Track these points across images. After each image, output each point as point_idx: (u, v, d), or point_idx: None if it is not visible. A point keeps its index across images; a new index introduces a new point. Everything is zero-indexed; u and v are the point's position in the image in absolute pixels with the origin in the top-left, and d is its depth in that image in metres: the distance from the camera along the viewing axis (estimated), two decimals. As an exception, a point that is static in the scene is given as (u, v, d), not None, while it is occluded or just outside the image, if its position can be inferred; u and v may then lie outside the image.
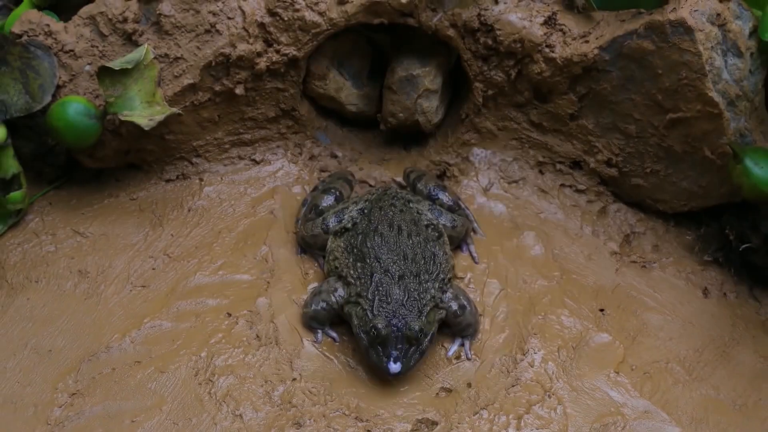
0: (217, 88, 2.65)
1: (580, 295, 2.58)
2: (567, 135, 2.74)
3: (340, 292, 2.41)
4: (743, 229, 2.60)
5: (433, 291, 2.38)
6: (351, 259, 2.45)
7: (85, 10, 2.62)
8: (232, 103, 2.71)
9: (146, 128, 2.49)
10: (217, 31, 2.59)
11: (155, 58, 2.56)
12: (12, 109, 2.55)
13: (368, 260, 2.42)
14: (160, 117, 2.51)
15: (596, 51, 2.56)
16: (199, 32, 2.58)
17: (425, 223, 2.56)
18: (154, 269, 2.57)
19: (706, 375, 2.45)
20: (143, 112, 2.52)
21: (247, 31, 2.59)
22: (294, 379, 2.34)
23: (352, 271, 2.42)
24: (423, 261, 2.43)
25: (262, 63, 2.63)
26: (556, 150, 2.77)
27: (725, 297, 2.63)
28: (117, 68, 2.47)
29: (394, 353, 2.27)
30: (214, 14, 2.58)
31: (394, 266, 2.40)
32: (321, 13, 2.61)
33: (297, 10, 2.59)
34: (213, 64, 2.60)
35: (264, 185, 2.77)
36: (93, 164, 2.69)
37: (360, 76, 2.84)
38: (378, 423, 2.26)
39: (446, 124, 2.87)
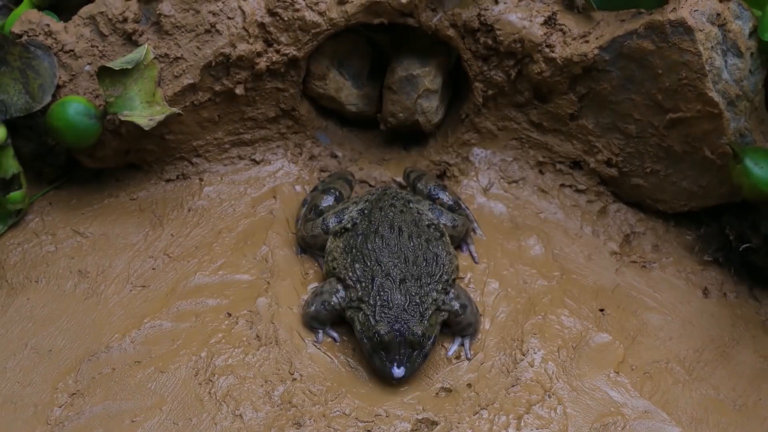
0: (217, 88, 2.65)
1: (580, 295, 2.58)
2: (567, 135, 2.74)
3: (342, 293, 2.41)
4: (743, 229, 2.60)
5: (435, 294, 2.38)
6: (349, 260, 2.45)
7: (85, 10, 2.62)
8: (232, 103, 2.71)
9: (146, 128, 2.49)
10: (217, 31, 2.59)
11: (155, 58, 2.56)
12: (12, 109, 2.55)
13: (369, 263, 2.42)
14: (160, 117, 2.51)
15: (596, 51, 2.56)
16: (199, 32, 2.58)
17: (426, 223, 2.56)
18: (154, 269, 2.57)
19: (706, 375, 2.45)
20: (143, 112, 2.52)
21: (247, 31, 2.59)
22: (294, 379, 2.34)
23: (350, 273, 2.42)
24: (425, 263, 2.43)
25: (262, 63, 2.63)
26: (556, 150, 2.77)
27: (725, 297, 2.63)
28: (117, 68, 2.47)
29: (398, 358, 2.28)
30: (214, 14, 2.58)
31: (395, 270, 2.40)
32: (321, 13, 2.61)
33: (297, 10, 2.59)
34: (213, 64, 2.60)
35: (264, 185, 2.77)
36: (93, 164, 2.69)
37: (360, 76, 2.84)
38: (378, 423, 2.26)
39: (446, 124, 2.87)
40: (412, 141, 2.91)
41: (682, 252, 2.71)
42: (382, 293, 2.35)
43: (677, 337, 2.52)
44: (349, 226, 2.55)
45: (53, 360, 2.36)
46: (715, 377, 2.44)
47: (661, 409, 2.34)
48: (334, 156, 2.86)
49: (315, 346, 2.41)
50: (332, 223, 2.57)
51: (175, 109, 2.55)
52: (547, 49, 2.61)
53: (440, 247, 2.48)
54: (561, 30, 2.61)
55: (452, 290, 2.43)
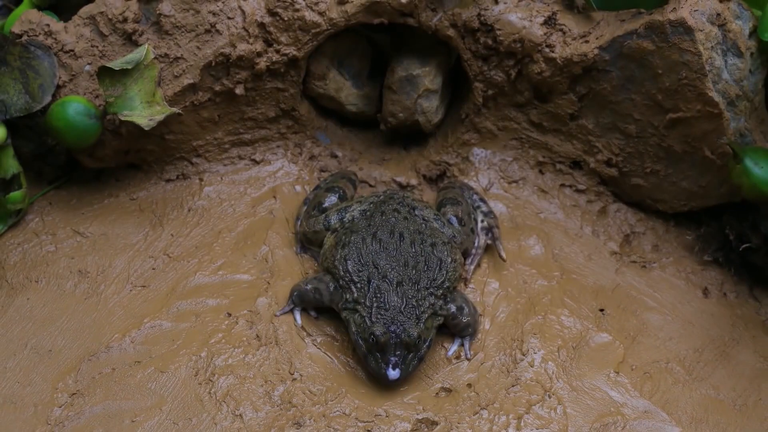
0: (217, 88, 2.65)
1: (580, 295, 2.58)
2: (567, 135, 2.74)
3: (332, 289, 2.41)
4: (743, 229, 2.60)
5: (432, 299, 2.37)
6: (339, 255, 2.43)
7: (85, 10, 2.62)
8: (232, 103, 2.71)
9: (146, 128, 2.49)
10: (217, 31, 2.59)
11: (155, 58, 2.56)
12: (12, 109, 2.55)
13: (365, 265, 2.41)
14: (160, 117, 2.51)
15: (596, 51, 2.56)
16: (199, 32, 2.58)
17: (430, 232, 2.53)
18: (154, 269, 2.57)
19: (706, 375, 2.45)
20: (143, 112, 2.52)
21: (247, 31, 2.59)
22: (294, 379, 2.34)
23: (341, 270, 2.41)
24: (426, 268, 2.41)
25: (262, 63, 2.63)
26: (556, 150, 2.77)
27: (725, 297, 2.63)
28: (117, 68, 2.47)
29: (393, 359, 2.28)
30: (214, 14, 2.58)
31: (393, 273, 2.39)
32: (321, 13, 2.61)
33: (297, 10, 2.59)
34: (213, 64, 2.60)
35: (264, 185, 2.77)
36: (93, 164, 2.69)
37: (360, 76, 2.84)
38: (378, 423, 2.26)
39: (446, 124, 2.87)
40: (412, 141, 2.91)
41: (682, 252, 2.71)
42: (378, 295, 2.35)
43: (677, 337, 2.52)
44: (348, 225, 2.55)
45: (53, 360, 2.36)
46: (715, 377, 2.44)
47: (661, 409, 2.34)
48: (334, 156, 2.86)
49: (315, 346, 2.41)
50: (334, 220, 2.57)
51: (175, 109, 2.55)
52: (547, 49, 2.61)
53: (446, 253, 2.47)
54: (561, 30, 2.61)
55: (451, 296, 2.43)
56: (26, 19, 2.59)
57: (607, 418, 2.31)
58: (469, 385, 2.36)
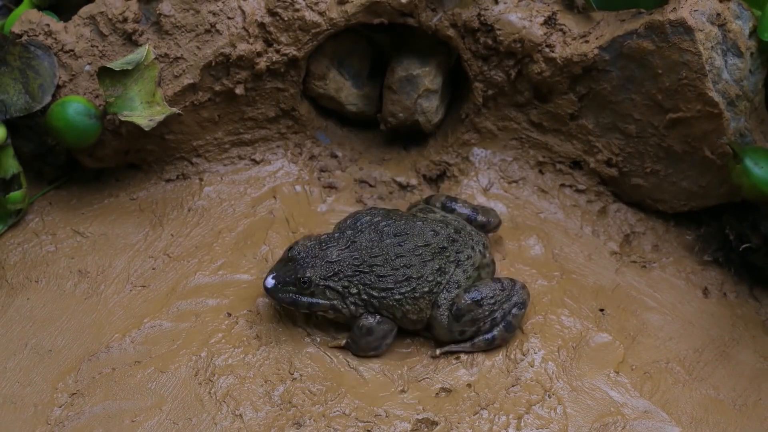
0: (217, 88, 2.66)
1: (580, 295, 2.58)
2: (567, 135, 2.74)
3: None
4: (743, 229, 2.60)
5: (385, 297, 2.34)
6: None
7: (85, 10, 2.62)
8: (232, 103, 2.71)
9: (146, 129, 2.49)
10: (217, 31, 2.59)
11: (155, 58, 2.56)
12: (12, 109, 2.55)
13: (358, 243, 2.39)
14: (160, 117, 2.51)
15: (596, 51, 2.56)
16: (199, 32, 2.59)
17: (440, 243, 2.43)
18: (154, 269, 2.57)
19: (706, 375, 2.45)
20: (143, 112, 2.52)
21: (247, 31, 2.60)
22: (294, 379, 2.34)
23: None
24: (417, 276, 2.36)
25: (262, 63, 2.63)
26: (556, 150, 2.77)
27: (725, 297, 2.63)
28: (117, 69, 2.47)
29: (276, 273, 2.32)
30: (214, 14, 2.58)
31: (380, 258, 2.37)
32: (321, 13, 2.61)
33: (297, 10, 2.59)
34: (213, 64, 2.60)
35: (264, 185, 2.77)
36: (93, 164, 2.69)
37: (360, 76, 2.84)
38: (378, 423, 2.26)
39: (446, 124, 2.87)
40: (412, 141, 2.91)
41: (682, 252, 2.71)
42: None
43: (677, 337, 2.52)
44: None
45: (53, 360, 2.36)
46: (715, 377, 2.44)
47: (661, 409, 2.34)
48: (334, 156, 2.86)
49: (315, 345, 2.41)
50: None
51: (175, 110, 2.55)
52: (547, 49, 2.61)
53: (431, 268, 2.38)
54: (561, 30, 2.61)
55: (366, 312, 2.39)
56: (26, 19, 2.59)
57: (607, 418, 2.31)
58: (469, 385, 2.36)
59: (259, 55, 2.62)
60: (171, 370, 2.34)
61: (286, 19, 2.60)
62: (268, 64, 2.64)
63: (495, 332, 2.40)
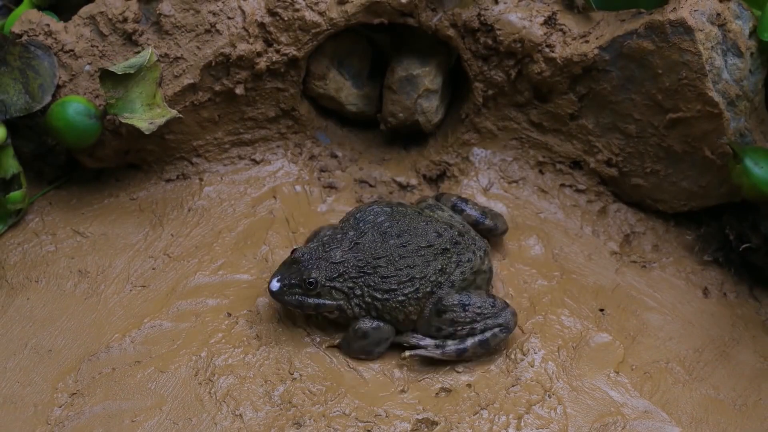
0: (217, 88, 2.66)
1: (580, 295, 2.58)
2: (567, 135, 2.74)
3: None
4: (743, 229, 2.60)
5: (388, 299, 2.34)
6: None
7: (85, 10, 2.62)
8: (232, 103, 2.71)
9: (146, 132, 2.49)
10: (217, 31, 2.59)
11: (157, 60, 2.56)
12: (12, 109, 2.55)
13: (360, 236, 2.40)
14: (160, 120, 2.51)
15: (596, 51, 2.56)
16: (199, 32, 2.59)
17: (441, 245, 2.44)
18: (154, 269, 2.57)
19: (706, 375, 2.45)
20: (144, 114, 2.52)
21: (247, 31, 2.60)
22: (294, 379, 2.34)
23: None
24: (417, 275, 2.37)
25: (262, 63, 2.63)
26: (556, 150, 2.77)
27: (725, 297, 2.63)
28: (120, 73, 2.46)
29: (280, 276, 2.32)
30: (214, 14, 2.58)
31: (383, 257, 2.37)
32: (321, 13, 2.61)
33: (297, 10, 2.59)
34: (213, 64, 2.60)
35: (264, 185, 2.77)
36: (93, 164, 2.69)
37: (360, 76, 2.84)
38: (378, 423, 2.26)
39: (446, 124, 2.87)
40: (412, 141, 2.91)
41: (682, 252, 2.71)
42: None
43: (677, 337, 2.52)
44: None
45: (53, 360, 2.36)
46: (715, 377, 2.44)
47: (661, 409, 2.34)
48: (334, 156, 2.86)
49: (315, 345, 2.41)
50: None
51: (175, 112, 2.54)
52: (547, 49, 2.61)
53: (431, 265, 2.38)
54: (561, 30, 2.61)
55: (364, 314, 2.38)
56: (26, 19, 2.59)
57: (607, 418, 2.31)
58: (469, 385, 2.36)
59: (259, 55, 2.62)
60: (171, 370, 2.34)
61: (286, 19, 2.60)
62: (268, 64, 2.64)
63: (468, 343, 2.36)
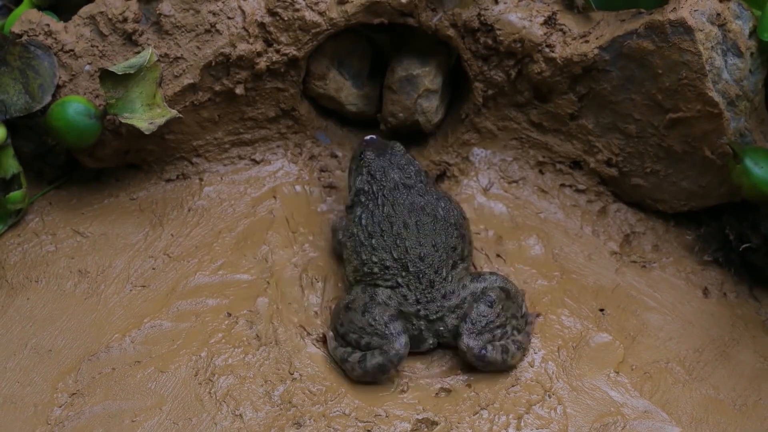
0: (217, 88, 2.66)
1: (580, 295, 2.58)
2: (567, 135, 2.74)
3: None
4: (743, 229, 2.60)
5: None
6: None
7: (85, 10, 2.62)
8: (232, 103, 2.71)
9: (146, 132, 2.49)
10: (217, 30, 2.59)
11: (157, 60, 2.56)
12: (12, 109, 2.55)
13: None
14: (160, 121, 2.51)
15: (596, 51, 2.56)
16: (199, 32, 2.59)
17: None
18: (154, 269, 2.57)
19: (706, 375, 2.45)
20: (144, 114, 2.52)
21: (247, 31, 2.60)
22: (294, 379, 2.34)
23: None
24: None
25: (262, 63, 2.63)
26: (556, 150, 2.77)
27: (725, 297, 2.63)
28: (120, 73, 2.47)
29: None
30: (214, 14, 2.58)
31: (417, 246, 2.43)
32: (321, 13, 2.61)
33: (297, 10, 2.59)
34: (213, 63, 2.60)
35: (264, 185, 2.78)
36: (93, 164, 2.69)
37: (360, 76, 2.84)
38: (378, 423, 2.26)
39: (446, 124, 2.87)
40: (412, 141, 2.91)
41: (682, 252, 2.71)
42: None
43: (677, 337, 2.52)
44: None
45: (53, 360, 2.36)
46: (715, 377, 2.44)
47: (661, 409, 2.34)
48: (334, 156, 2.86)
49: (315, 345, 2.41)
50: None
51: (175, 112, 2.54)
52: (547, 49, 2.61)
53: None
54: (561, 30, 2.61)
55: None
56: (26, 19, 2.59)
57: (607, 418, 2.31)
58: (469, 385, 2.36)
59: (259, 55, 2.62)
60: (171, 370, 2.34)
61: (286, 19, 2.60)
62: (268, 64, 2.64)
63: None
